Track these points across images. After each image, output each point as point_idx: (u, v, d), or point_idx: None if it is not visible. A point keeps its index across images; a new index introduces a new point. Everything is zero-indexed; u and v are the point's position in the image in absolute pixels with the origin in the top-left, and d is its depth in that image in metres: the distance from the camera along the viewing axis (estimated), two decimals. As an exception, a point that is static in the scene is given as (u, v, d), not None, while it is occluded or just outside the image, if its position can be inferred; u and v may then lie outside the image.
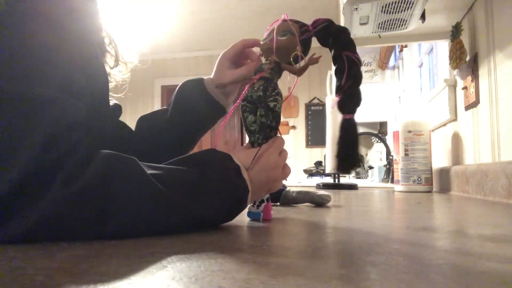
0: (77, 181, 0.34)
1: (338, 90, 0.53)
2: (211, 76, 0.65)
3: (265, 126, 0.52)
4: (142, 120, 0.68)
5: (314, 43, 0.58)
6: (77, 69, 0.41)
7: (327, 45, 0.55)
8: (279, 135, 0.53)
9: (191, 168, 0.43)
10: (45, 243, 0.33)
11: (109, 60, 0.58)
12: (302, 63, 0.54)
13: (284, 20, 0.55)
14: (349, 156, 0.52)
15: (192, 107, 0.64)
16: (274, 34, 0.54)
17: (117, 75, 0.63)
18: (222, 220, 0.47)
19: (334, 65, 0.54)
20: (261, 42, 0.56)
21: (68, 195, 0.33)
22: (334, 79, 0.55)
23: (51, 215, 0.33)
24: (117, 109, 0.65)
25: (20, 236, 0.33)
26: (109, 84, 0.56)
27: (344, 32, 0.54)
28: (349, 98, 0.52)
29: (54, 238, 0.34)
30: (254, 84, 0.53)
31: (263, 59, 0.57)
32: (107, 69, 0.57)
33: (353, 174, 3.20)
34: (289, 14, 0.57)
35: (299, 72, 0.53)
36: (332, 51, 0.54)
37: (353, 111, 0.53)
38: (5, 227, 0.33)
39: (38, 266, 0.26)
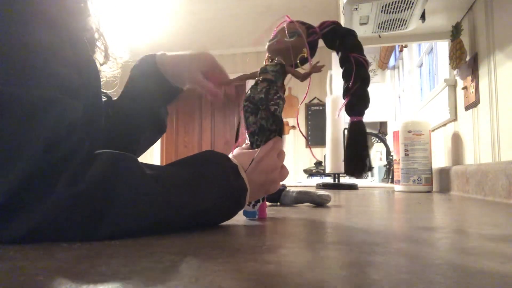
0: (81, 182, 0.34)
1: (346, 92, 0.52)
2: (171, 55, 0.65)
3: (264, 129, 0.52)
4: (112, 106, 0.69)
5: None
6: (72, 68, 0.41)
7: (333, 47, 0.55)
8: (279, 137, 0.53)
9: (188, 168, 0.44)
10: (45, 243, 0.33)
11: (99, 56, 0.59)
12: (307, 66, 0.54)
13: (291, 21, 0.55)
14: (359, 159, 0.51)
15: (144, 91, 0.65)
16: (281, 35, 0.54)
17: (107, 71, 0.63)
18: (220, 218, 0.47)
19: (341, 67, 0.54)
20: (268, 43, 0.56)
21: (72, 196, 0.33)
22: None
23: (55, 216, 0.33)
24: (109, 99, 0.66)
25: (24, 236, 0.33)
26: (101, 81, 0.56)
27: (351, 34, 0.54)
28: (357, 100, 0.52)
29: (57, 238, 0.34)
30: (257, 85, 0.52)
31: (268, 60, 0.56)
32: (97, 65, 0.57)
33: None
34: (289, 14, 0.57)
35: (302, 78, 0.53)
36: (339, 53, 0.54)
37: (361, 113, 0.52)
38: (9, 227, 0.33)
39: (38, 266, 0.26)
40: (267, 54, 0.56)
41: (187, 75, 0.64)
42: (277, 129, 0.53)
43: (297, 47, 0.54)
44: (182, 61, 0.64)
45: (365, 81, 0.52)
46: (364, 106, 0.52)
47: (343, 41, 0.54)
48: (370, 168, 0.53)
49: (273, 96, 0.51)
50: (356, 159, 0.51)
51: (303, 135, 0.57)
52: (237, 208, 0.47)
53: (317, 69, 0.52)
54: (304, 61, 0.55)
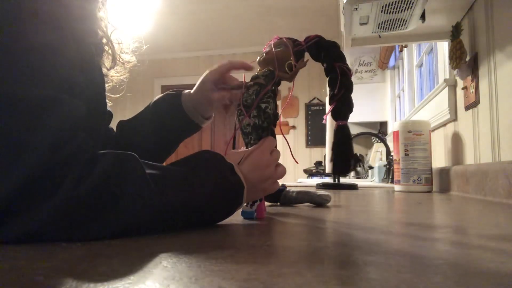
0: (86, 182, 0.34)
1: (332, 99, 0.57)
2: (191, 91, 0.69)
3: (257, 127, 0.54)
4: (122, 126, 0.71)
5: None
6: (76, 69, 0.41)
7: (318, 59, 0.60)
8: (270, 136, 0.55)
9: (186, 167, 0.44)
10: (45, 243, 0.33)
11: (106, 61, 0.59)
12: None
13: (279, 38, 0.60)
14: (345, 159, 0.56)
15: (166, 122, 0.69)
16: (270, 48, 0.59)
17: (114, 76, 0.63)
18: (220, 215, 0.47)
19: (327, 76, 0.59)
20: (258, 57, 0.60)
21: (77, 196, 0.33)
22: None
23: (60, 215, 0.33)
24: (109, 115, 0.68)
25: (27, 236, 0.33)
26: (106, 85, 0.56)
27: (335, 46, 0.59)
28: (342, 106, 0.57)
29: (61, 237, 0.34)
30: (249, 89, 0.55)
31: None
32: (104, 70, 0.57)
33: (352, 174, 3.20)
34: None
35: (290, 78, 0.57)
36: (325, 64, 0.59)
37: (346, 118, 0.57)
38: (13, 226, 0.33)
39: (38, 266, 0.26)
40: (258, 68, 0.60)
41: (203, 98, 0.67)
42: (269, 127, 0.55)
43: (284, 56, 0.58)
44: (197, 89, 0.68)
45: (349, 88, 0.57)
46: (349, 111, 0.57)
47: (328, 52, 0.58)
48: (355, 168, 0.61)
49: (263, 95, 0.54)
50: (343, 159, 0.56)
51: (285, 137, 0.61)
52: (235, 205, 0.48)
53: (302, 65, 0.56)
54: (292, 68, 0.58)
